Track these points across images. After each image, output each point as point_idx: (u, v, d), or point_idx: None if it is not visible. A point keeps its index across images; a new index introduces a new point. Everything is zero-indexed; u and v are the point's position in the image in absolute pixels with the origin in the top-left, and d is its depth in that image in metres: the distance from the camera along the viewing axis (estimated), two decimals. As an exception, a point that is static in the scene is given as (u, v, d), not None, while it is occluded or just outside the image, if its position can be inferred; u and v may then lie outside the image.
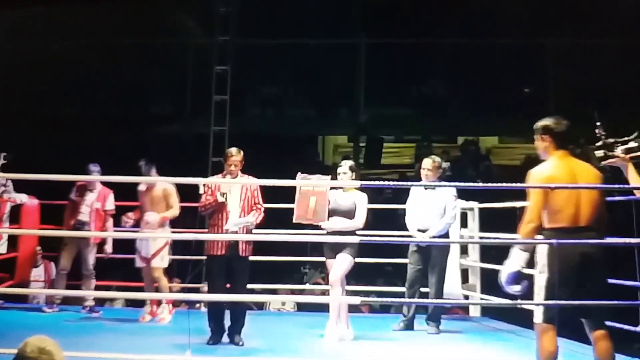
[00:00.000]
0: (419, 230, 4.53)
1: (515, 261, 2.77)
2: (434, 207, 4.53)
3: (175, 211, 4.64)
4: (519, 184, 3.14)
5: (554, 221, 2.75)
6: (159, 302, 4.69)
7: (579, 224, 2.74)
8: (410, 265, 4.62)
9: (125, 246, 5.04)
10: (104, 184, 4.95)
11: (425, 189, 4.58)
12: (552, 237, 2.74)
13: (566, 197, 2.74)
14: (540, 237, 2.83)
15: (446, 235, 4.58)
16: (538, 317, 2.77)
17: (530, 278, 2.82)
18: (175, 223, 5.37)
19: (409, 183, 4.70)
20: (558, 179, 2.78)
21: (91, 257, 4.90)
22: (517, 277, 2.76)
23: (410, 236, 4.58)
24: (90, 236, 4.86)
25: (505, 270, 2.79)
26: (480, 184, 3.75)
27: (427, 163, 4.61)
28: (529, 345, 4.20)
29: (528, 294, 2.81)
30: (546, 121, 2.89)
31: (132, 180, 4.71)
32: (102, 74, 9.14)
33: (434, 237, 4.48)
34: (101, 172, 4.77)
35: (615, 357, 2.80)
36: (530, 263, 2.86)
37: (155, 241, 4.58)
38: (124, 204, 5.03)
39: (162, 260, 4.62)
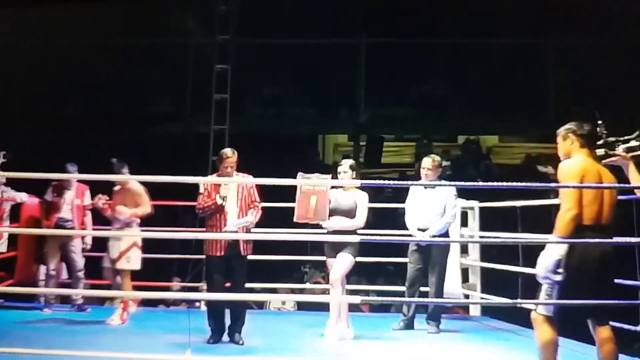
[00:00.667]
0: (418, 230, 4.52)
1: (555, 249, 2.76)
2: (433, 206, 4.52)
3: (145, 209, 4.58)
4: (519, 183, 3.13)
5: (586, 217, 2.77)
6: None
7: (601, 222, 2.78)
8: (410, 264, 4.61)
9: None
10: (80, 180, 4.97)
11: (425, 188, 4.57)
12: (574, 234, 2.75)
13: (595, 193, 2.78)
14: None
15: (446, 235, 4.57)
16: (546, 310, 2.75)
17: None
18: (174, 222, 5.35)
19: (409, 182, 4.70)
20: (590, 172, 2.82)
21: (78, 257, 4.93)
22: (559, 265, 2.75)
23: (410, 235, 4.57)
24: (75, 234, 4.87)
25: (547, 258, 2.76)
26: (481, 183, 3.74)
27: (426, 162, 4.61)
28: (529, 345, 4.20)
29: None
30: (569, 124, 2.96)
31: (123, 178, 4.69)
32: (103, 74, 9.13)
33: (434, 236, 4.47)
34: (78, 171, 4.81)
35: (619, 356, 2.80)
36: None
37: (121, 242, 4.50)
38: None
39: (127, 262, 4.52)
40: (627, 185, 2.92)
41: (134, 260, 4.54)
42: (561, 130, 2.95)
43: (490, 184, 3.23)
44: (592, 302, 2.74)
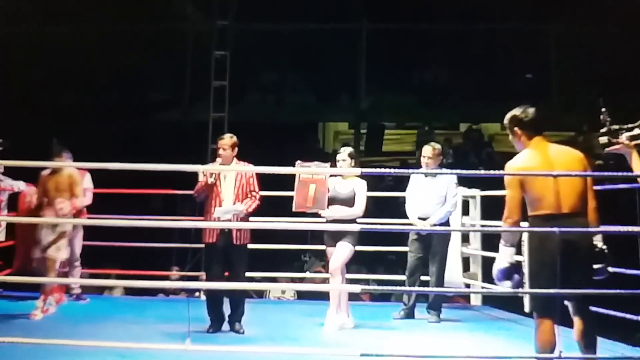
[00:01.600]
0: (419, 218, 4.50)
1: (502, 257, 2.74)
2: (434, 195, 4.49)
3: (82, 200, 4.42)
4: (521, 172, 3.08)
5: (537, 208, 2.70)
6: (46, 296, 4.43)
7: (562, 211, 2.68)
8: (410, 253, 4.59)
9: (125, 234, 5.01)
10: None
11: (426, 176, 4.53)
12: (535, 224, 2.69)
13: (544, 185, 2.67)
14: (526, 224, 2.80)
15: (447, 223, 4.55)
16: (527, 306, 2.73)
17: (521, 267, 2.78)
18: (174, 211, 5.31)
19: (410, 170, 4.65)
20: (532, 169, 2.72)
21: (77, 244, 4.88)
22: (508, 273, 2.72)
23: (410, 224, 4.54)
24: (72, 222, 4.80)
25: (495, 267, 2.76)
26: (483, 172, 3.70)
27: (427, 150, 4.57)
28: (529, 334, 4.18)
29: (522, 285, 2.76)
30: (511, 113, 2.82)
31: (121, 167, 4.63)
32: (100, 60, 9.05)
33: (435, 225, 4.44)
34: (73, 158, 4.63)
35: (596, 339, 2.76)
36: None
37: (54, 230, 4.34)
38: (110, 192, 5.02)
39: (58, 251, 4.34)
40: (630, 174, 2.87)
41: (63, 250, 4.39)
42: (505, 123, 2.82)
43: (492, 172, 3.18)
44: (595, 291, 2.69)
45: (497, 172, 3.07)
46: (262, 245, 4.87)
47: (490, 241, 5.44)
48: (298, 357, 3.33)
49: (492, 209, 5.24)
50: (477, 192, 5.20)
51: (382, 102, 9.62)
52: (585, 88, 8.13)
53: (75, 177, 4.42)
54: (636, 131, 2.82)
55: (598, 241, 2.76)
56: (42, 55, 8.85)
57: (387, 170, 4.04)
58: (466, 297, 5.54)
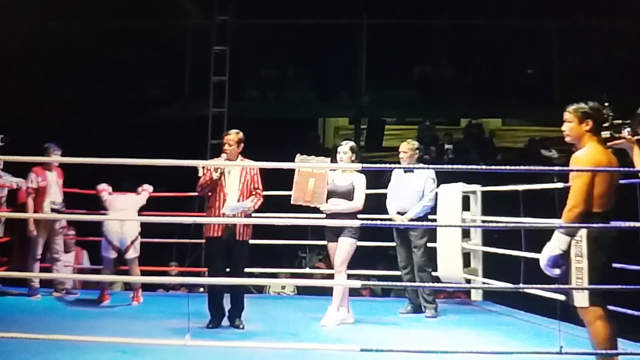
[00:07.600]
0: (398, 213, 4.54)
1: (557, 244, 2.69)
2: (412, 190, 4.54)
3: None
4: (522, 167, 3.06)
5: (597, 206, 2.70)
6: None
7: (609, 208, 2.73)
8: (397, 247, 4.63)
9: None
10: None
11: (405, 172, 4.57)
12: (593, 221, 2.68)
13: (610, 182, 2.70)
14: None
15: (425, 218, 4.58)
16: (583, 301, 2.66)
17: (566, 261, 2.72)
18: (175, 206, 5.30)
19: (409, 165, 4.65)
20: (605, 165, 2.72)
21: (59, 239, 4.96)
22: (559, 261, 2.69)
23: (391, 219, 4.56)
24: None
25: (547, 252, 2.71)
26: (483, 167, 3.68)
27: (402, 147, 4.64)
28: (530, 329, 4.19)
29: (565, 278, 2.71)
30: (594, 105, 2.78)
31: (121, 162, 4.62)
32: (99, 56, 9.00)
33: (412, 219, 4.48)
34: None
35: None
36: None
37: (131, 231, 4.58)
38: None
39: (135, 251, 4.67)
40: (632, 169, 2.85)
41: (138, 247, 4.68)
42: (578, 112, 2.77)
43: (492, 167, 3.16)
44: (601, 286, 2.68)
45: (497, 167, 3.05)
46: (261, 241, 4.86)
47: (491, 237, 5.44)
48: (298, 352, 3.32)
49: (493, 204, 5.24)
50: (478, 188, 5.19)
51: (383, 97, 9.57)
52: (587, 83, 8.08)
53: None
54: (638, 126, 2.81)
55: None
56: (41, 50, 8.79)
57: (388, 165, 4.03)
58: (467, 293, 5.53)
